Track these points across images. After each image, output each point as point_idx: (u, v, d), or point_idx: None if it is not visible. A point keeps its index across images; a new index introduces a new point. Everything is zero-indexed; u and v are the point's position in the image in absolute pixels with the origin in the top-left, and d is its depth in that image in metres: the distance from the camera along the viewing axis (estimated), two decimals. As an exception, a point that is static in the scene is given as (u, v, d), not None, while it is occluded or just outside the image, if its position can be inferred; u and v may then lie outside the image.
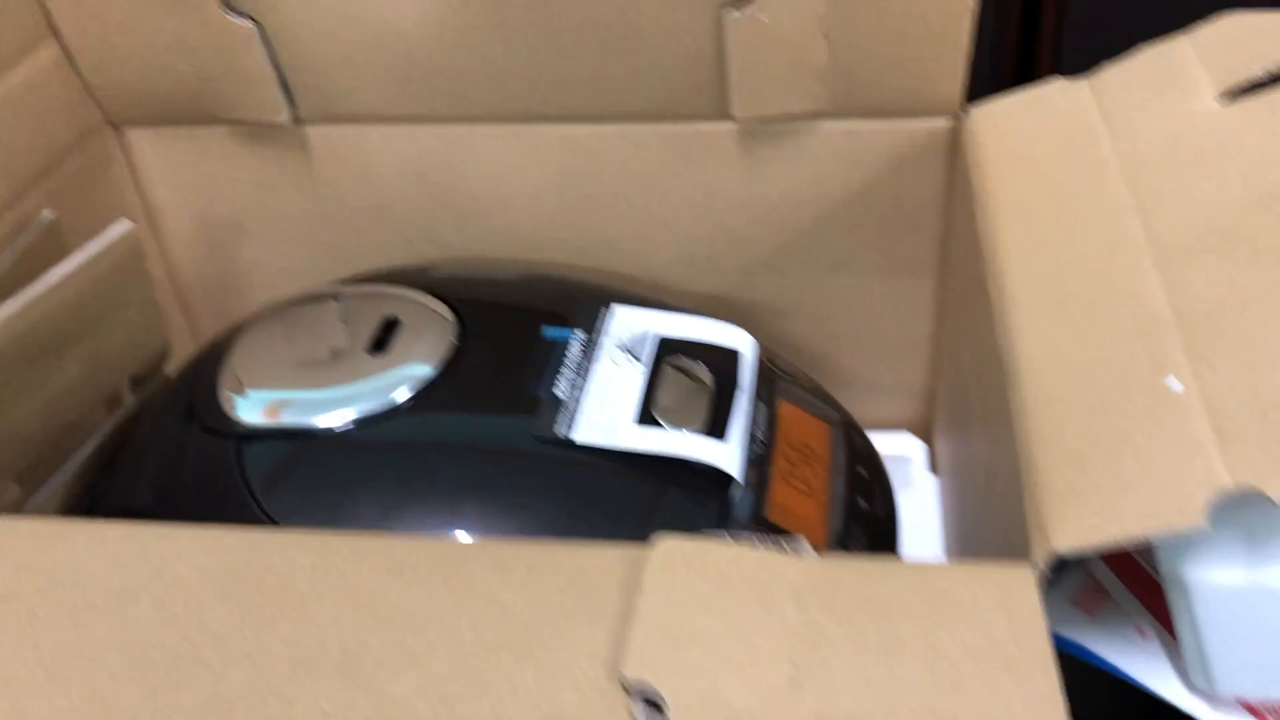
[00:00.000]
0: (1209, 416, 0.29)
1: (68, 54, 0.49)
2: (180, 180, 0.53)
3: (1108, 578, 0.36)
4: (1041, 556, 0.28)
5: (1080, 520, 0.28)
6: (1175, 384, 0.30)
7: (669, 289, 0.53)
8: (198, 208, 0.54)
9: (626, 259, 0.52)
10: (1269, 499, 0.26)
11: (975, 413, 0.42)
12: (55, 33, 0.48)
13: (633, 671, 0.25)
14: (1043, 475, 0.30)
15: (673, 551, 0.28)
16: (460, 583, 0.28)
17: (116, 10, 0.47)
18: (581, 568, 0.28)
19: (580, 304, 0.45)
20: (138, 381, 0.49)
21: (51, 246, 0.48)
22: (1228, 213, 0.34)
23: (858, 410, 0.49)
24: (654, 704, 0.24)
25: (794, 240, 0.51)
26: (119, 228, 0.46)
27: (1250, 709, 0.32)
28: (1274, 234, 0.32)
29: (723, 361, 0.43)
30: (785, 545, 0.29)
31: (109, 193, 0.52)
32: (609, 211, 0.51)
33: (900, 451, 0.55)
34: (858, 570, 0.28)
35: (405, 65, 0.47)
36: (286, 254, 0.55)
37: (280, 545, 0.29)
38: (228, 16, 0.46)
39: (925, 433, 0.57)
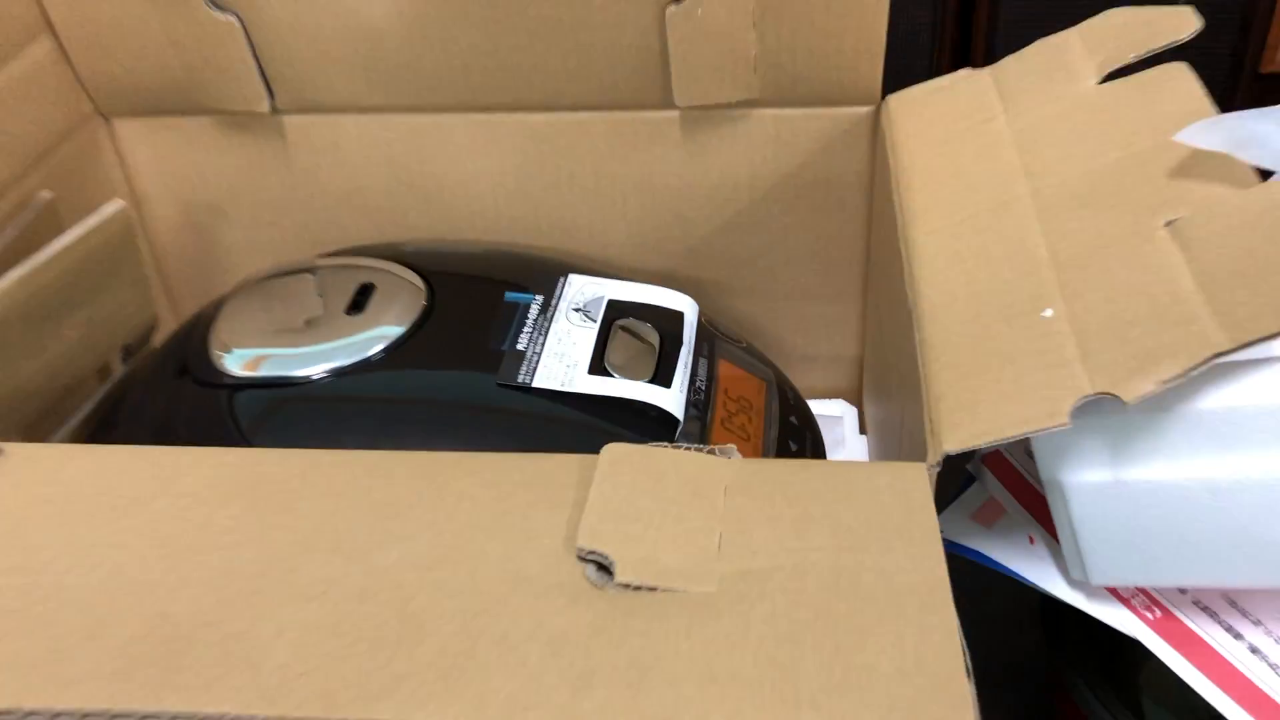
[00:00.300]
0: (1075, 339, 0.34)
1: (62, 48, 0.53)
2: (165, 167, 0.57)
3: (1003, 495, 0.41)
4: (934, 456, 0.33)
5: (967, 426, 0.33)
6: (1048, 313, 0.35)
7: (620, 267, 0.58)
8: (181, 193, 0.58)
9: (581, 239, 0.57)
10: (1122, 401, 0.31)
11: (893, 376, 0.47)
12: (50, 28, 0.52)
13: (586, 541, 0.29)
14: (937, 392, 0.34)
15: (620, 454, 0.32)
16: (435, 481, 0.32)
17: (108, 7, 0.51)
18: (541, 470, 0.33)
19: (539, 273, 0.49)
20: (128, 352, 0.53)
21: (49, 224, 0.51)
22: (1099, 173, 0.39)
23: (794, 379, 0.54)
24: (604, 567, 0.29)
25: (733, 220, 0.56)
26: (112, 206, 0.50)
27: (1117, 595, 0.37)
28: (1135, 190, 0.37)
29: (667, 321, 0.48)
30: (718, 452, 0.33)
31: (99, 178, 0.56)
32: (564, 195, 0.56)
33: (833, 413, 0.60)
34: (778, 467, 0.32)
35: (376, 58, 0.52)
36: (264, 236, 0.59)
37: (274, 458, 0.34)
38: (212, 12, 0.50)
39: (856, 399, 0.62)
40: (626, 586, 0.28)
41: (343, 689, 0.25)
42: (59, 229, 0.49)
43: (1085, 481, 0.34)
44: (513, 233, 0.57)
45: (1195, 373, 0.31)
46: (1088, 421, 0.34)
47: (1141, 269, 0.35)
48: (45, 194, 0.51)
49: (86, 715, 0.24)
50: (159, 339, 0.54)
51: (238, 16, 0.50)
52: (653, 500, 0.31)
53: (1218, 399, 0.32)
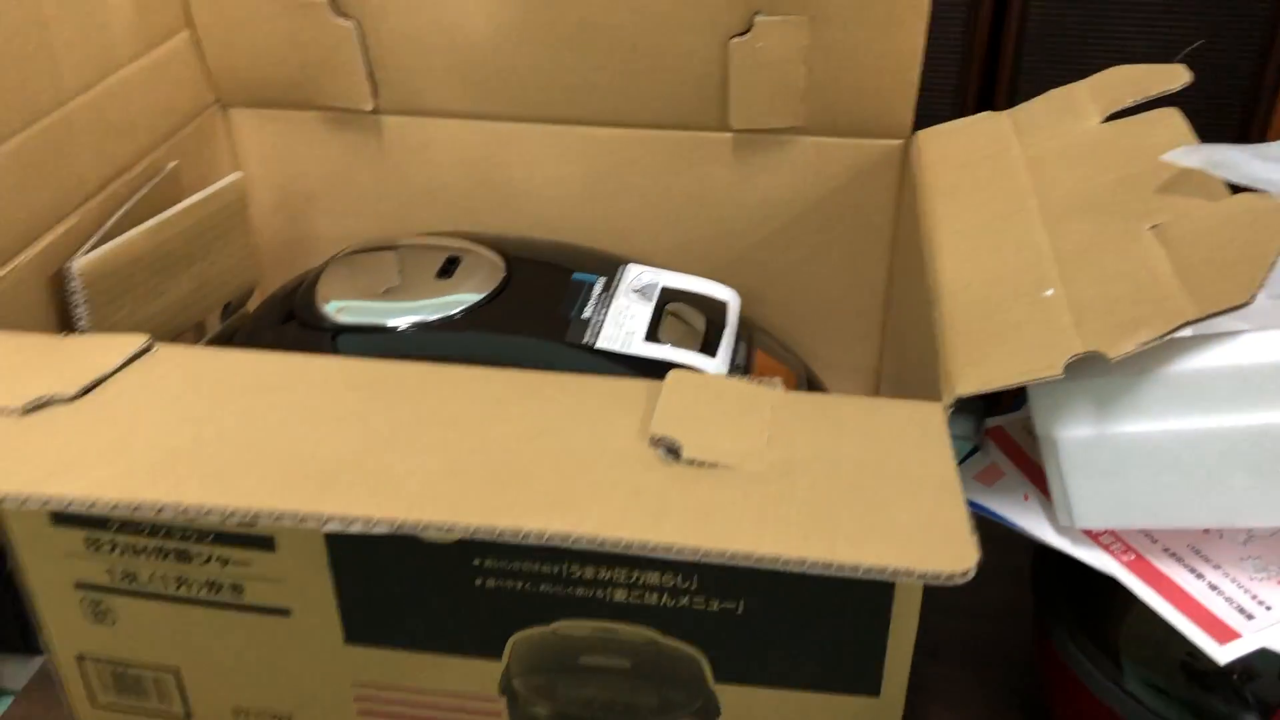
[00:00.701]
0: (1070, 311, 0.40)
1: (197, 42, 0.60)
2: (269, 155, 0.64)
3: (1003, 461, 0.47)
4: (948, 398, 0.39)
5: (976, 375, 0.39)
6: (1049, 293, 0.41)
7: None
8: (281, 180, 0.65)
9: (635, 244, 0.64)
10: (1107, 360, 0.38)
11: (910, 375, 0.53)
12: (190, 24, 0.60)
13: (657, 429, 0.35)
14: (951, 352, 0.41)
15: (683, 376, 0.39)
16: (529, 387, 0.38)
17: (243, 8, 0.59)
18: (615, 388, 0.39)
19: (603, 260, 0.56)
20: (228, 310, 0.59)
21: (173, 190, 0.58)
22: (1097, 191, 0.46)
23: (817, 384, 0.60)
24: (672, 450, 0.35)
25: (772, 235, 0.63)
26: (230, 177, 0.57)
27: (1097, 540, 0.42)
28: (1127, 202, 0.44)
29: (714, 306, 0.54)
30: (764, 383, 0.39)
31: (214, 159, 0.63)
32: (622, 203, 0.63)
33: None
34: (815, 398, 0.39)
35: (471, 68, 0.59)
36: (352, 226, 0.66)
37: (390, 365, 0.40)
38: (334, 17, 0.58)
39: (872, 410, 0.68)
40: (692, 463, 0.34)
41: (466, 508, 0.31)
42: (180, 196, 0.56)
43: (1074, 435, 0.40)
44: (575, 235, 0.64)
45: (1169, 337, 0.37)
46: (1077, 384, 0.40)
47: (1129, 260, 0.41)
48: (173, 163, 0.58)
49: (257, 513, 0.30)
50: (250, 306, 0.61)
51: (356, 22, 0.58)
52: (711, 407, 0.37)
53: (1187, 363, 0.39)
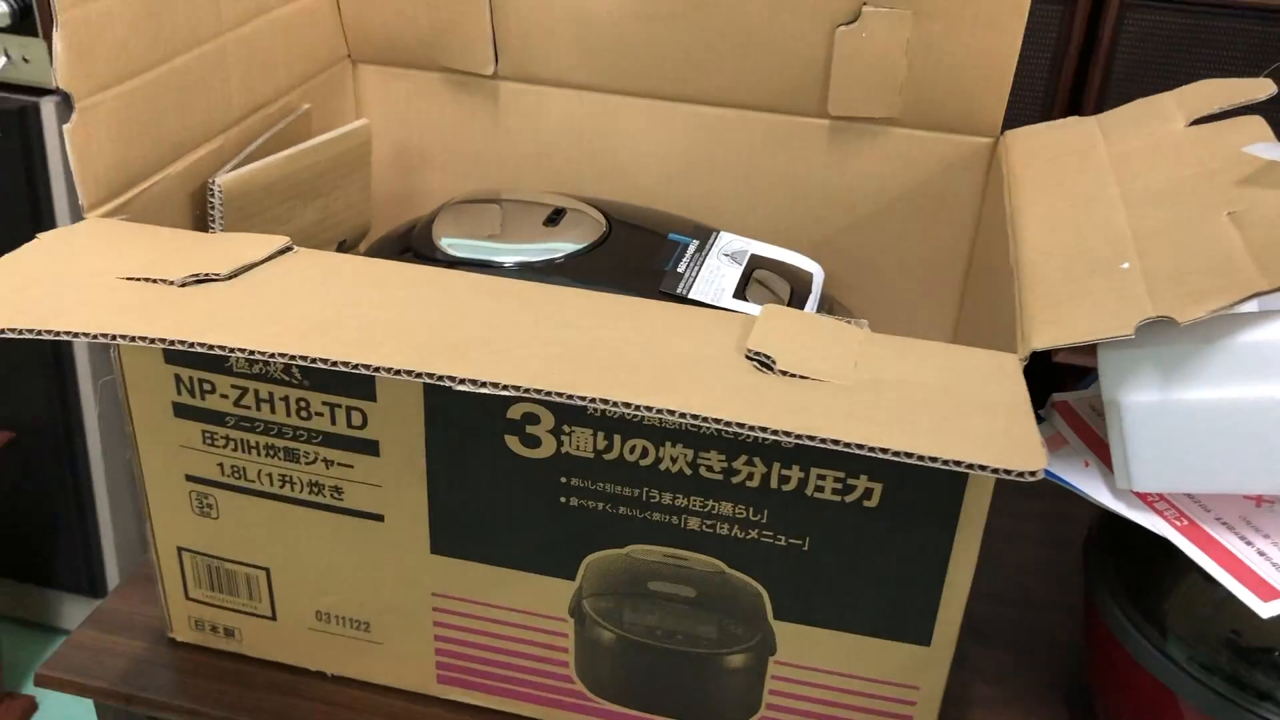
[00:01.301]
0: (1145, 282, 0.43)
1: (338, -1, 0.65)
2: (390, 111, 0.69)
3: (1067, 431, 0.49)
4: (1024, 351, 0.41)
5: (1051, 332, 0.42)
6: (1125, 266, 0.44)
7: (755, 250, 0.67)
8: (399, 136, 0.69)
9: (727, 220, 0.67)
10: (1176, 325, 0.40)
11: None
12: (333, -20, 0.64)
13: (754, 344, 0.38)
14: (1029, 314, 0.43)
15: (777, 309, 0.42)
16: (634, 305, 0.42)
17: (384, -31, 0.63)
18: (712, 315, 0.42)
19: (697, 226, 0.59)
20: (342, 247, 0.63)
21: (304, 131, 0.63)
22: (1178, 182, 0.48)
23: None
24: (767, 365, 0.38)
25: (859, 222, 0.65)
26: (358, 123, 0.61)
27: (1152, 507, 0.44)
28: (1206, 192, 0.47)
29: (799, 275, 0.57)
30: (853, 323, 0.42)
31: (341, 109, 0.68)
32: (718, 179, 0.66)
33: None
34: (901, 339, 0.41)
35: (589, 41, 0.63)
36: (462, 184, 0.70)
37: (506, 281, 0.43)
38: (469, -17, 0.62)
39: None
40: (785, 373, 0.37)
41: (583, 383, 0.34)
42: (310, 136, 0.60)
43: (1138, 400, 0.43)
44: (672, 206, 0.67)
45: (1238, 307, 0.40)
46: (1144, 351, 0.42)
47: (1204, 239, 0.43)
48: (306, 106, 0.63)
49: (397, 370, 0.34)
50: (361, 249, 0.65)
51: (490, -11, 0.62)
52: (804, 333, 0.40)
53: (1250, 335, 0.41)
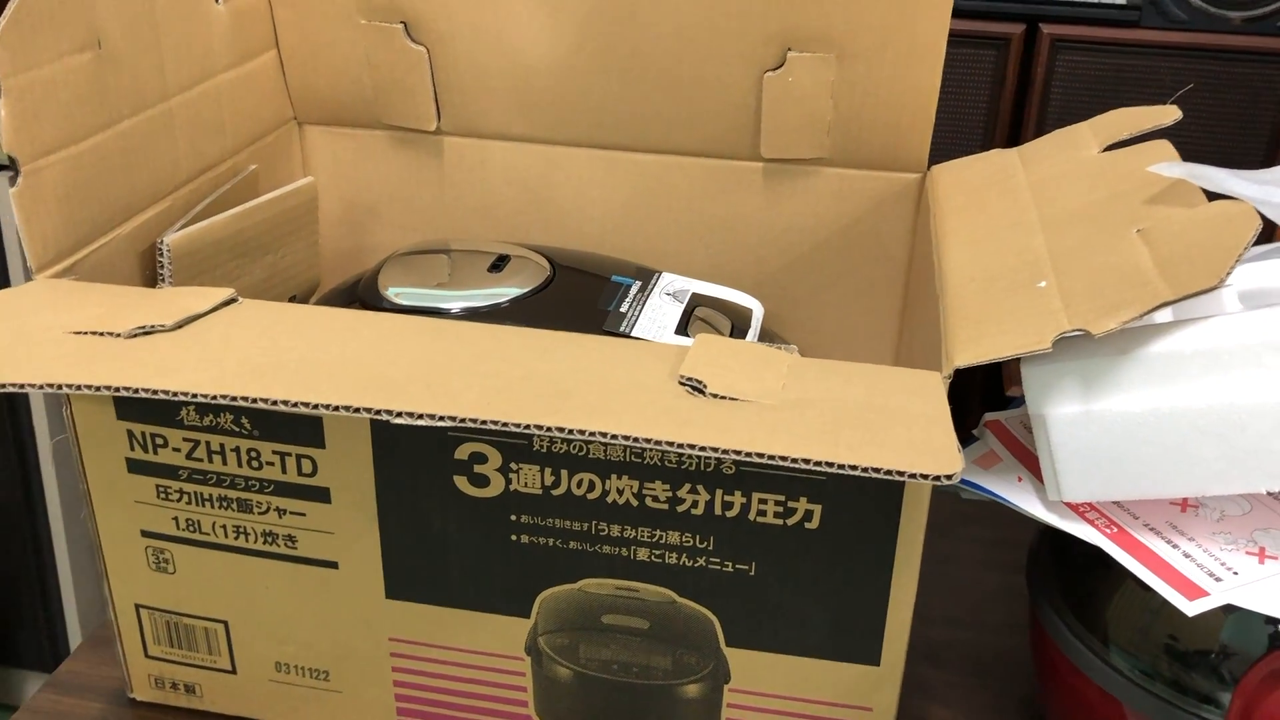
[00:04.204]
0: (1061, 298, 0.44)
1: (281, 61, 0.67)
2: (337, 170, 0.70)
3: (999, 449, 0.50)
4: (948, 369, 0.43)
5: (973, 350, 0.43)
6: (1043, 284, 0.46)
7: (698, 291, 0.69)
8: (346, 194, 0.71)
9: (670, 263, 0.69)
10: (1091, 334, 0.42)
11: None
12: (277, 44, 0.66)
13: (686, 371, 0.40)
14: (952, 332, 0.45)
15: (709, 338, 0.43)
16: (572, 340, 0.43)
17: (327, 32, 0.65)
18: (647, 346, 0.43)
19: (639, 268, 0.61)
20: (292, 301, 0.64)
21: (251, 191, 0.64)
22: (1092, 204, 0.50)
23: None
24: (698, 389, 0.39)
25: (796, 261, 0.67)
26: (304, 180, 0.63)
27: (1083, 516, 0.46)
28: (1118, 213, 0.49)
29: (739, 312, 0.59)
30: (782, 348, 0.44)
31: (288, 169, 0.69)
32: (660, 225, 0.68)
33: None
34: (828, 362, 0.43)
35: (528, 94, 0.65)
36: (409, 238, 0.71)
37: (446, 322, 0.45)
38: (409, 42, 0.64)
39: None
40: (715, 396, 0.38)
41: (518, 411, 0.35)
42: (257, 196, 0.62)
43: (1062, 413, 0.44)
44: (615, 252, 0.69)
45: (1147, 318, 0.41)
46: (1066, 365, 0.44)
47: (1116, 256, 0.45)
48: (253, 166, 0.64)
49: (337, 406, 0.35)
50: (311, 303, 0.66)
51: (427, 48, 0.64)
52: (735, 360, 0.41)
53: (1165, 345, 0.43)
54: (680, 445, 0.34)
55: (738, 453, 0.34)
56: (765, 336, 0.60)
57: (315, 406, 0.35)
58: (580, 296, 0.57)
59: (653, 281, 0.59)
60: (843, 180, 0.64)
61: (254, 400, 0.35)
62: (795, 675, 0.48)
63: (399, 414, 0.35)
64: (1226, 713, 0.44)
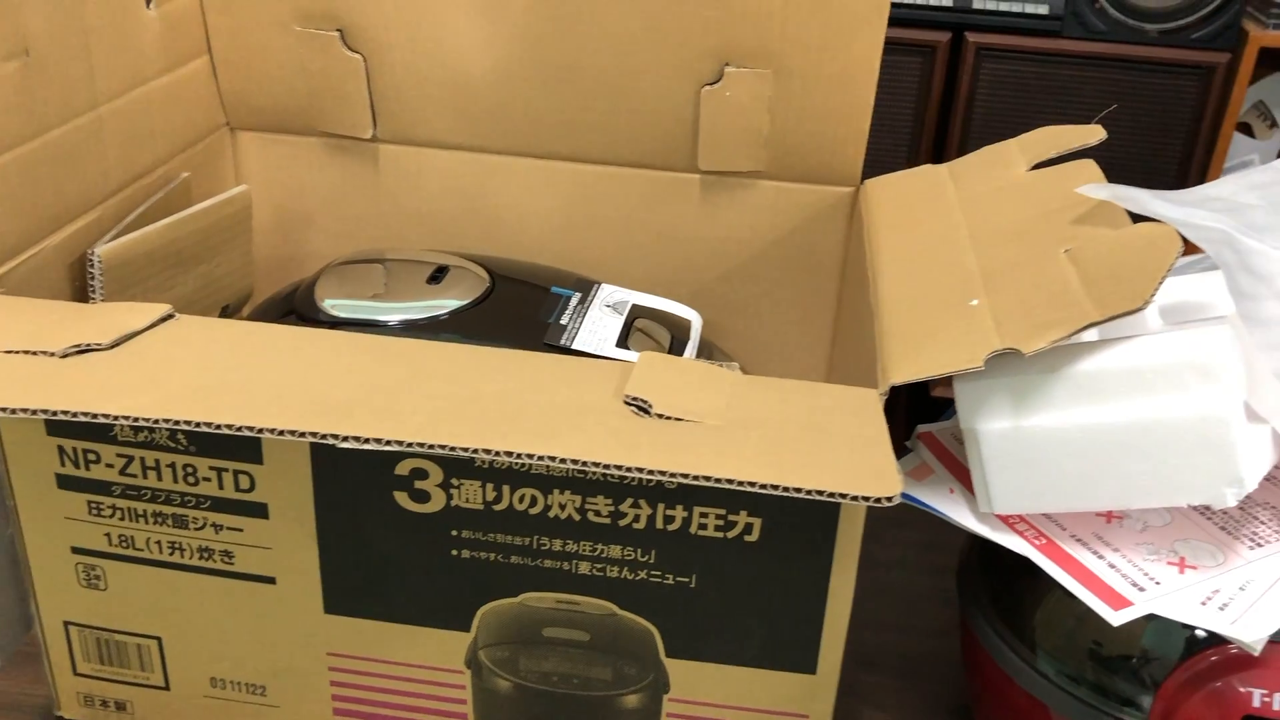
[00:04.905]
0: (992, 316, 0.46)
1: (213, 67, 0.66)
2: (271, 177, 0.69)
3: (932, 461, 0.52)
4: (883, 386, 0.44)
5: (907, 368, 0.44)
6: (974, 302, 0.47)
7: (636, 301, 0.69)
8: (281, 201, 0.70)
9: (608, 273, 0.69)
10: (1021, 353, 0.43)
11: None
12: (209, 50, 0.65)
13: (631, 390, 0.40)
14: (887, 351, 0.46)
15: (653, 356, 0.44)
16: (516, 359, 0.43)
17: (259, 37, 0.64)
18: (592, 364, 0.44)
19: (579, 280, 0.61)
20: (225, 312, 0.64)
21: (184, 199, 0.63)
22: (1021, 223, 0.52)
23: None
24: (644, 408, 0.40)
25: (732, 271, 0.68)
26: (237, 189, 0.62)
27: (1013, 527, 0.47)
28: (1046, 232, 0.50)
29: (678, 323, 0.59)
30: (724, 365, 0.44)
31: (220, 176, 0.68)
32: (598, 235, 0.68)
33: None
34: (769, 380, 0.44)
35: (465, 103, 0.65)
36: (345, 247, 0.70)
37: (387, 339, 0.44)
38: (345, 50, 0.63)
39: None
40: (660, 416, 0.39)
41: (467, 435, 0.35)
42: (190, 205, 0.61)
43: (993, 428, 0.45)
44: (553, 262, 0.69)
45: (1075, 337, 0.43)
46: (997, 382, 0.45)
47: (1045, 276, 0.47)
48: (185, 174, 0.63)
49: (282, 431, 0.35)
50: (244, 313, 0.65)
51: (364, 56, 0.64)
52: (679, 378, 0.42)
53: (1092, 364, 0.44)
54: (627, 468, 0.34)
55: (685, 475, 0.34)
56: (704, 348, 0.61)
57: (260, 431, 0.35)
58: (520, 308, 0.58)
59: (592, 293, 0.60)
60: (778, 193, 0.65)
61: (197, 424, 0.35)
62: (734, 685, 0.49)
63: (345, 438, 0.35)
64: (1148, 716, 0.45)
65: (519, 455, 0.35)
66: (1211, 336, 0.43)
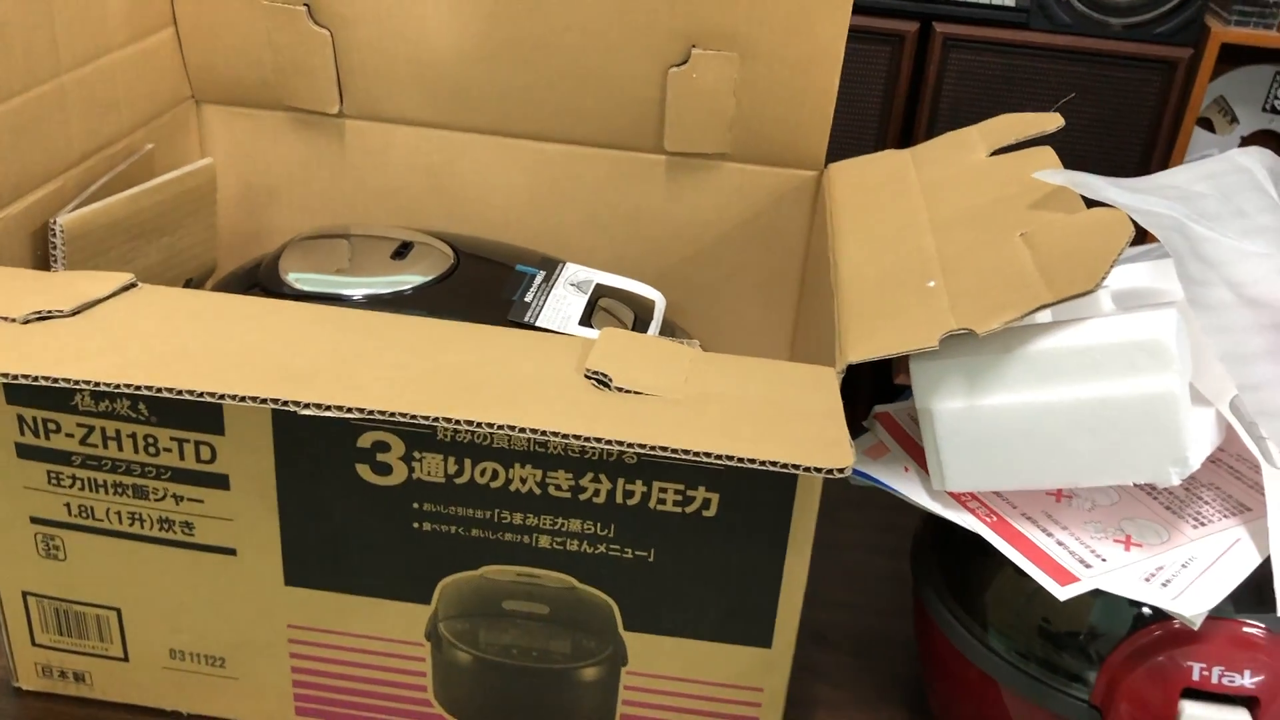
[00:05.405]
0: (949, 298, 0.47)
1: (179, 39, 0.65)
2: (236, 151, 0.69)
3: (888, 440, 0.53)
4: (841, 364, 0.45)
5: (864, 347, 0.45)
6: (931, 284, 0.48)
7: (600, 280, 0.70)
8: (245, 175, 0.70)
9: (573, 253, 0.69)
10: (975, 334, 0.44)
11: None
12: (175, 21, 0.65)
13: (592, 364, 0.40)
14: (844, 330, 0.47)
15: (615, 332, 0.44)
16: (479, 332, 0.43)
17: (226, 11, 0.64)
18: (554, 339, 0.44)
19: (544, 258, 0.62)
20: (188, 285, 0.63)
21: (148, 171, 0.63)
22: (979, 207, 0.53)
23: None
24: (604, 383, 0.40)
25: (697, 253, 0.69)
26: (202, 161, 0.62)
27: (965, 505, 0.48)
28: (1003, 216, 0.51)
29: (642, 304, 0.60)
30: (685, 342, 0.45)
31: (185, 149, 0.68)
32: (563, 214, 0.69)
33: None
34: (728, 357, 0.44)
35: (432, 80, 0.65)
36: (308, 222, 0.70)
37: (351, 311, 0.45)
38: (312, 25, 0.63)
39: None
40: (620, 390, 0.39)
41: (428, 404, 0.36)
42: (154, 177, 0.61)
43: (947, 407, 0.46)
44: (518, 240, 0.69)
45: (1028, 318, 0.44)
46: (952, 362, 0.46)
47: (1000, 259, 0.48)
48: (149, 145, 0.63)
49: (243, 397, 0.35)
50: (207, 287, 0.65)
51: (330, 31, 0.63)
52: (639, 354, 0.42)
53: (1043, 344, 0.45)
54: (586, 439, 0.35)
55: (642, 446, 0.35)
56: (667, 328, 0.61)
57: (221, 397, 0.35)
58: (484, 285, 0.58)
59: (557, 271, 0.60)
60: (743, 175, 0.66)
61: (158, 390, 0.35)
62: (690, 658, 0.50)
63: (306, 405, 0.35)
64: (1093, 690, 0.47)
65: (479, 425, 0.36)
66: (1159, 319, 0.44)
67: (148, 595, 0.52)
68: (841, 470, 0.35)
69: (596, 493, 0.46)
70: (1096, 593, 0.45)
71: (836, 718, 0.58)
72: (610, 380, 0.40)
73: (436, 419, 0.35)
